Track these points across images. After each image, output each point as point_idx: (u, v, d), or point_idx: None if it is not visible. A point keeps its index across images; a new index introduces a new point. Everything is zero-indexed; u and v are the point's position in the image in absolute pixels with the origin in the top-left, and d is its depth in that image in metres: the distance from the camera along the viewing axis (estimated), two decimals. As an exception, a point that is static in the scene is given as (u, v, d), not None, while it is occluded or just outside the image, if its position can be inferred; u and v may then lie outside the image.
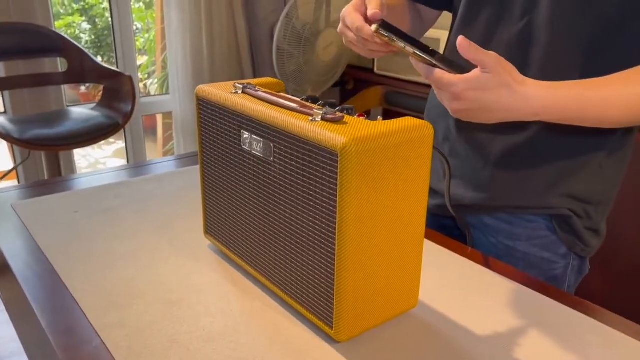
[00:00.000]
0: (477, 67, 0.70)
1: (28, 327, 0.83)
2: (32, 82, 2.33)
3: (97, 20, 3.89)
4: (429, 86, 2.57)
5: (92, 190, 1.10)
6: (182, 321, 0.71)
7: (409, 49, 0.73)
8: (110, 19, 2.62)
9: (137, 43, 3.38)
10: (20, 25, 2.22)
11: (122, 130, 2.46)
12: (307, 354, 0.66)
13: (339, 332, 0.66)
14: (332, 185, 0.61)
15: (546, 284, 0.82)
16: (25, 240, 0.91)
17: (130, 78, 2.26)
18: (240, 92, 0.76)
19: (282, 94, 0.74)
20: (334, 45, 2.83)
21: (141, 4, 3.71)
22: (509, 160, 0.92)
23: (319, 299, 0.67)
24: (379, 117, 0.66)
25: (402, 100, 2.72)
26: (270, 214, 0.72)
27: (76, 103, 3.40)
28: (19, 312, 0.87)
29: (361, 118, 0.65)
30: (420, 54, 0.73)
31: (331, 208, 0.61)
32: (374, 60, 2.83)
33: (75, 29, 3.83)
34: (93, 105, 2.40)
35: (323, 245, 0.64)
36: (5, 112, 2.42)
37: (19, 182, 2.57)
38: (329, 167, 0.60)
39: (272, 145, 0.68)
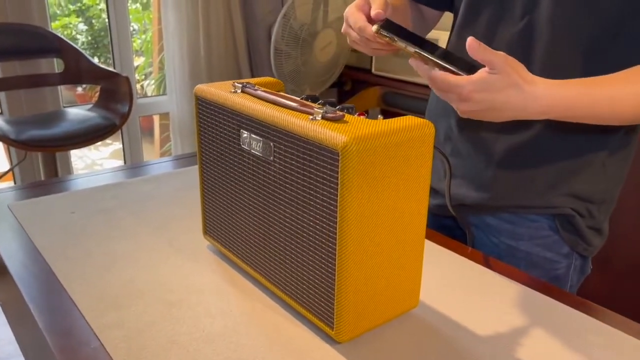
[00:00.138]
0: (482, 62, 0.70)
1: (25, 329, 0.82)
2: (28, 82, 2.32)
3: (93, 21, 3.88)
4: (427, 87, 2.57)
5: (89, 191, 1.10)
6: (182, 322, 0.70)
7: (410, 48, 0.73)
8: (107, 20, 2.61)
9: (134, 44, 3.37)
10: (17, 26, 2.21)
11: (119, 131, 2.45)
12: (308, 355, 0.65)
13: (340, 332, 0.65)
14: (332, 185, 0.60)
15: (548, 284, 0.82)
16: (22, 241, 0.90)
17: (127, 79, 2.25)
18: (239, 91, 0.76)
19: (281, 93, 0.73)
20: (331, 45, 2.83)
21: (138, 4, 3.70)
22: (512, 159, 0.92)
23: (320, 299, 0.67)
24: (379, 116, 0.65)
25: (399, 100, 2.72)
26: (270, 214, 0.72)
27: (73, 104, 3.39)
28: (16, 314, 0.86)
29: (361, 117, 0.65)
30: (422, 53, 0.73)
31: (332, 207, 0.61)
32: (371, 60, 2.83)
33: (72, 30, 3.82)
34: (90, 106, 2.39)
35: (324, 245, 0.64)
36: (1, 113, 2.40)
37: (15, 183, 2.56)
38: (329, 166, 0.60)
39: (271, 144, 0.68)
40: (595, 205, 0.92)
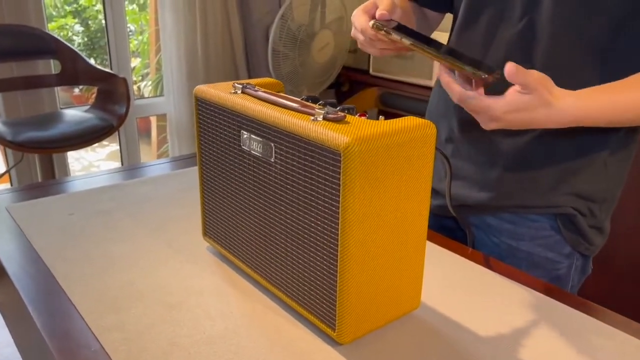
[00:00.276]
0: (483, 58, 0.71)
1: (24, 331, 0.81)
2: (25, 84, 2.31)
3: (90, 22, 3.87)
4: (424, 87, 2.58)
5: (87, 193, 1.09)
6: (182, 324, 0.70)
7: (406, 40, 0.74)
8: (103, 21, 2.60)
9: (131, 45, 3.36)
10: (13, 27, 2.20)
11: (116, 132, 2.45)
12: (309, 356, 0.65)
13: (342, 334, 0.65)
14: (334, 186, 0.60)
15: (548, 284, 0.82)
16: (20, 243, 0.90)
17: (124, 80, 2.25)
18: (239, 92, 0.75)
19: (282, 94, 0.73)
20: (329, 46, 2.83)
21: (135, 5, 3.69)
22: (515, 160, 0.92)
23: (321, 301, 0.66)
24: (381, 116, 0.65)
25: (397, 101, 2.72)
26: (271, 215, 0.71)
27: (69, 106, 3.37)
28: (15, 316, 0.86)
29: (363, 117, 0.65)
30: (423, 48, 0.73)
31: (333, 209, 0.61)
32: (369, 61, 2.83)
33: (68, 31, 3.81)
34: (87, 107, 2.38)
35: (325, 246, 0.63)
36: (-2, 115, 2.40)
37: (12, 185, 2.55)
38: (331, 167, 0.60)
39: (272, 145, 0.68)
40: (596, 204, 0.92)
